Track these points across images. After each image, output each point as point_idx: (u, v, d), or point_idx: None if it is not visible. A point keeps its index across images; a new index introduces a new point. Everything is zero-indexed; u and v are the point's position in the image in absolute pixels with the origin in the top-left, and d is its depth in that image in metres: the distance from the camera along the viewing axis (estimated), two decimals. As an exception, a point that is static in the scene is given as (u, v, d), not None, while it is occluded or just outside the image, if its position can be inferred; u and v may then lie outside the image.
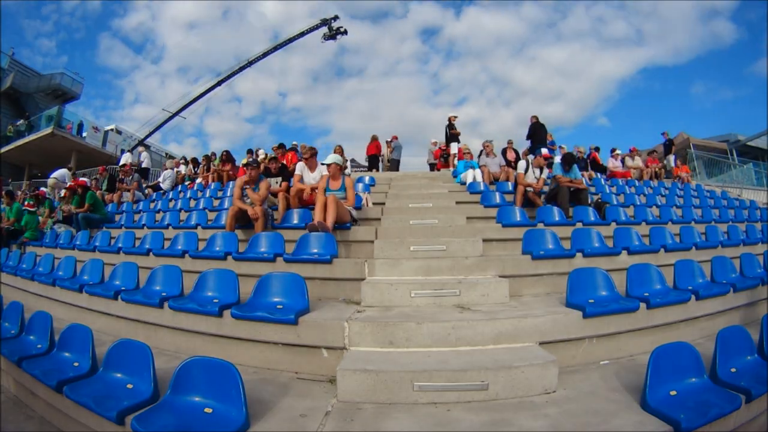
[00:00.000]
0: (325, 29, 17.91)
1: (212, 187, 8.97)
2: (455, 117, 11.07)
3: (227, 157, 9.35)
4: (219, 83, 19.73)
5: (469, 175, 7.79)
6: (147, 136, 20.41)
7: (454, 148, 10.35)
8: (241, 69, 19.27)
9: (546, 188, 6.51)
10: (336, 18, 17.56)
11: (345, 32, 17.44)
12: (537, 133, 9.92)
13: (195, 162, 11.19)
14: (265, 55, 19.02)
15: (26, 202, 9.05)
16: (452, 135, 10.73)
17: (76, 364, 2.71)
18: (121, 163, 11.94)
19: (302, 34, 18.41)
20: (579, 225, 5.36)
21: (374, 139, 12.49)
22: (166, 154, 22.61)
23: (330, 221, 4.47)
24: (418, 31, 62.46)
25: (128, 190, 9.41)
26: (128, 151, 12.60)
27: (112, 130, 22.47)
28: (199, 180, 10.04)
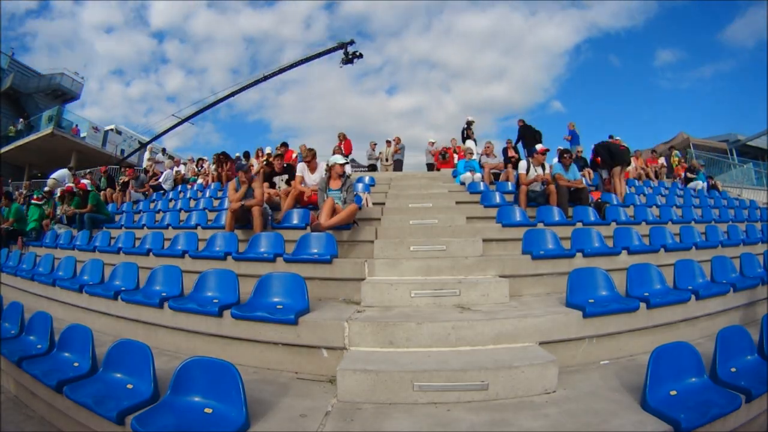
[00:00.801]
0: (341, 53, 17.92)
1: (212, 187, 8.97)
2: (473, 121, 11.19)
3: (225, 158, 9.36)
4: (233, 93, 19.76)
5: (467, 177, 7.78)
6: (152, 140, 20.35)
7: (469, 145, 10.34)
8: (257, 82, 19.30)
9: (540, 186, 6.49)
10: (352, 42, 17.64)
11: (361, 56, 17.44)
12: (525, 135, 10.04)
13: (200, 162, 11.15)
14: (282, 70, 19.13)
15: (35, 195, 9.15)
16: (468, 136, 10.86)
17: (76, 364, 2.71)
18: (145, 165, 11.92)
19: (319, 55, 18.50)
20: (579, 225, 5.36)
21: (343, 138, 10.87)
22: (165, 153, 22.59)
23: (333, 223, 4.49)
24: (321, 6, 55.57)
25: (144, 191, 9.59)
26: (149, 157, 12.38)
27: (112, 130, 22.50)
28: (199, 180, 10.06)
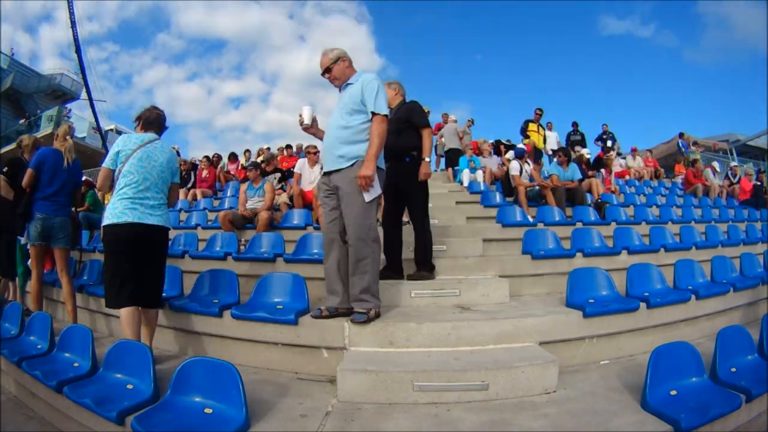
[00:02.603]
0: None
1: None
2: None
3: (220, 159, 9.39)
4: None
5: (466, 176, 7.76)
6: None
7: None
8: None
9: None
10: None
11: None
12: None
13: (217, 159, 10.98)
14: None
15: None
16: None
17: (76, 364, 2.71)
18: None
19: None
20: (579, 225, 5.37)
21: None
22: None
23: None
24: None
25: None
26: None
27: (111, 130, 22.49)
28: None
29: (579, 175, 6.71)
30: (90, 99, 17.71)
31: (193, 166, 9.28)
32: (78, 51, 16.82)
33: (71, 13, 16.45)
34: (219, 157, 10.55)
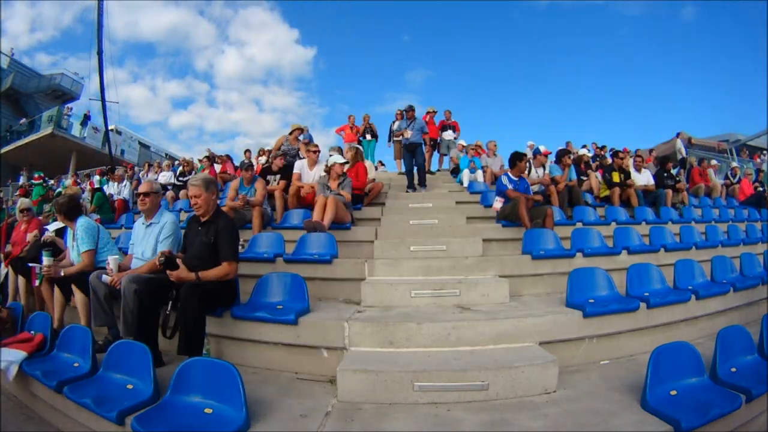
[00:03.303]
0: None
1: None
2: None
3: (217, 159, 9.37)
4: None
5: (466, 177, 7.74)
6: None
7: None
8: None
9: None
10: None
11: None
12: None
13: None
14: None
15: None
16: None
17: (76, 364, 2.71)
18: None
19: None
20: (579, 225, 5.36)
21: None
22: (166, 154, 22.63)
23: (327, 221, 4.48)
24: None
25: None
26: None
27: (112, 130, 22.47)
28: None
29: (574, 176, 6.74)
30: (103, 101, 17.58)
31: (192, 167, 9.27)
32: (100, 53, 16.59)
33: (99, 14, 16.23)
34: (225, 157, 10.46)
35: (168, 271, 2.80)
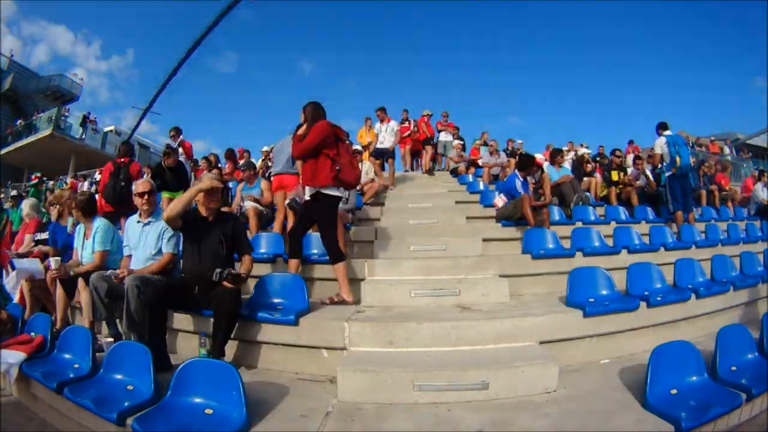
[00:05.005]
0: None
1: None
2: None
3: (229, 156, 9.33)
4: (176, 70, 18.54)
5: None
6: (129, 137, 20.05)
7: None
8: (193, 50, 18.10)
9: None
10: None
11: None
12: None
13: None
14: (209, 30, 17.67)
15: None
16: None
17: (76, 365, 2.71)
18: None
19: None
20: (579, 224, 5.36)
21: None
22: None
23: None
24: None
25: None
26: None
27: (111, 131, 22.47)
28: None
29: (568, 172, 6.74)
30: (147, 110, 17.65)
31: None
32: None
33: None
34: (217, 158, 10.42)
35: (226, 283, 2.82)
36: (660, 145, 5.99)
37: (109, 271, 3.19)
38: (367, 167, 6.29)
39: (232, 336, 2.85)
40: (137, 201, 3.49)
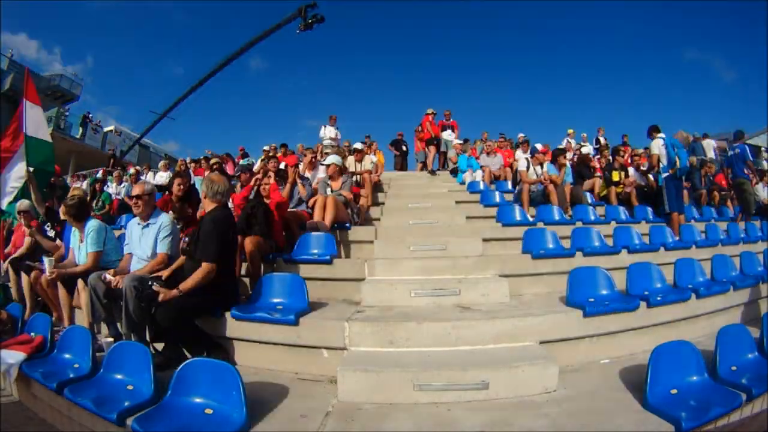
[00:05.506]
0: (300, 19, 16.42)
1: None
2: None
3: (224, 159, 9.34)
4: (201, 83, 18.88)
5: (468, 176, 7.75)
6: (138, 140, 20.20)
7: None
8: (222, 66, 18.41)
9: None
10: (314, 5, 16.25)
11: (322, 19, 16.27)
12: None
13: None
14: (243, 50, 18.01)
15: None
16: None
17: (76, 365, 2.71)
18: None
19: (279, 27, 17.27)
20: (579, 224, 5.36)
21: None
22: (166, 155, 22.61)
23: (328, 221, 4.48)
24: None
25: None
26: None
27: (111, 131, 22.47)
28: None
29: (570, 179, 6.76)
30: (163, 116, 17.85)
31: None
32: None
33: None
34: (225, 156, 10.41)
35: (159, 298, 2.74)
36: (657, 146, 6.00)
37: (103, 274, 3.20)
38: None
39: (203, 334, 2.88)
40: (129, 203, 3.53)
